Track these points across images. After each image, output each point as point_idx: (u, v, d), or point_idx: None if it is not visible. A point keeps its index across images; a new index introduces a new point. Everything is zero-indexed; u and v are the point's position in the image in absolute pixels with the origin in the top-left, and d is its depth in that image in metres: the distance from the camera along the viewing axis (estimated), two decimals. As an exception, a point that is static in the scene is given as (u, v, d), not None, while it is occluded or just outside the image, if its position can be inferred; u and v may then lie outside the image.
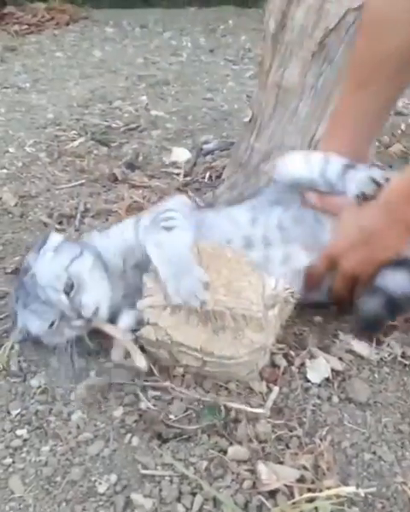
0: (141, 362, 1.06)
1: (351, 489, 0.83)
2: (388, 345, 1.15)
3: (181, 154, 2.26)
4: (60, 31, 5.08)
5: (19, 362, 1.16)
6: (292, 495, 0.84)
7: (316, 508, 0.82)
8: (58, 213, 1.81)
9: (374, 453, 0.94)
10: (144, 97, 2.97)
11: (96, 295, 1.13)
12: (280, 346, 1.12)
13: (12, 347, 1.19)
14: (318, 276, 1.21)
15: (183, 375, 1.06)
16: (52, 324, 1.11)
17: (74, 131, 2.46)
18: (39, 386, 1.09)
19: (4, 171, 2.10)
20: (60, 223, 1.78)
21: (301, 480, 0.86)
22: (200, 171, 2.11)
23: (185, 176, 2.10)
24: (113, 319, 1.15)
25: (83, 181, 2.03)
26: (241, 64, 3.91)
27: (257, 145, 1.78)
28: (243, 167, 1.85)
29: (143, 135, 2.49)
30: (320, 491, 0.84)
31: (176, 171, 2.15)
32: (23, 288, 1.16)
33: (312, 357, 1.11)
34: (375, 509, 0.86)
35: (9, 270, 1.51)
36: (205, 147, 2.29)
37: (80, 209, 1.82)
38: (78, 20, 5.49)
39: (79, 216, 1.79)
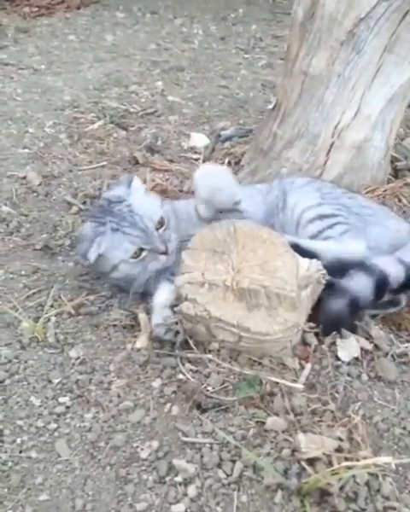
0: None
1: (387, 459, 0.87)
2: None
3: (199, 140, 2.29)
4: (71, 14, 5.06)
5: (55, 334, 1.19)
6: (330, 463, 0.88)
7: (354, 476, 0.86)
8: (82, 193, 1.83)
9: (404, 428, 0.99)
10: (160, 83, 2.98)
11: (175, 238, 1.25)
12: (311, 324, 1.16)
13: (48, 320, 1.23)
14: None
15: (218, 350, 1.09)
16: (138, 254, 1.21)
17: (93, 114, 2.47)
18: (78, 358, 1.13)
19: (26, 150, 2.12)
20: (84, 203, 1.80)
21: (338, 449, 0.90)
22: (219, 157, 2.14)
23: (204, 161, 2.13)
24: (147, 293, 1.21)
25: (104, 163, 2.06)
26: (252, 53, 3.91)
27: (280, 132, 1.81)
28: (264, 154, 1.88)
29: (161, 120, 2.50)
30: (357, 460, 0.87)
31: (195, 156, 2.18)
32: (114, 215, 1.23)
33: (342, 336, 1.15)
34: (407, 480, 0.91)
35: (38, 247, 1.54)
36: (223, 133, 2.31)
37: (104, 190, 1.84)
38: (88, 4, 5.46)
39: (102, 197, 1.81)
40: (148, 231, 1.21)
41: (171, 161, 2.13)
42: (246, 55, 3.83)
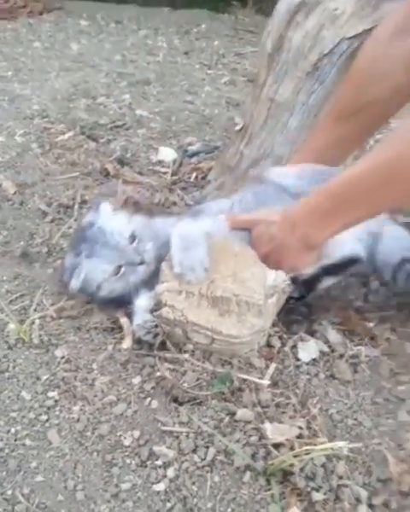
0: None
1: (341, 443, 1.01)
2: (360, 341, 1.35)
3: (167, 154, 2.41)
4: (34, 20, 5.10)
5: (40, 335, 1.29)
6: (292, 448, 1.01)
7: (312, 459, 1.00)
8: (56, 203, 1.91)
9: (356, 420, 1.13)
10: (127, 95, 3.09)
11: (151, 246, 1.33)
12: (275, 329, 1.30)
13: (33, 322, 1.32)
14: None
15: (193, 351, 1.22)
16: (117, 271, 1.28)
17: (63, 125, 2.56)
18: (63, 357, 1.23)
19: (-1, 159, 2.19)
20: (58, 212, 1.89)
21: (299, 436, 1.04)
22: (186, 172, 2.26)
23: (173, 175, 2.25)
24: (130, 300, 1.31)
25: (77, 174, 2.14)
26: (215, 69, 4.04)
27: (246, 151, 1.95)
28: (231, 170, 2.01)
29: (130, 132, 2.61)
30: (315, 445, 1.01)
31: (163, 169, 2.30)
32: (86, 242, 1.30)
33: (302, 340, 1.29)
34: (356, 463, 1.05)
35: (18, 254, 1.63)
36: (190, 148, 2.44)
37: (78, 200, 1.94)
38: (51, 10, 5.51)
39: (77, 206, 1.91)
40: (120, 247, 1.29)
41: (140, 173, 2.24)
42: (209, 71, 3.97)
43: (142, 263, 1.30)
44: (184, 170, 2.29)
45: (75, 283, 1.29)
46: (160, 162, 2.36)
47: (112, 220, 1.34)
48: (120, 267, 1.29)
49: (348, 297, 1.52)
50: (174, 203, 2.01)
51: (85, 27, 4.99)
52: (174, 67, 3.94)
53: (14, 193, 1.97)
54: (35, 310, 1.38)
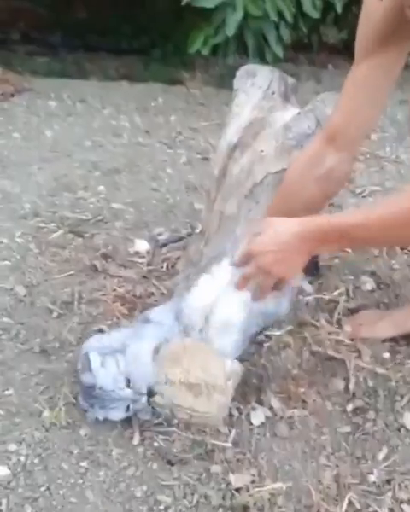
0: None
1: (281, 484, 1.55)
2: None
3: (142, 245, 2.89)
4: (8, 103, 5.54)
5: (66, 419, 1.79)
6: (248, 490, 1.54)
7: (261, 496, 1.53)
8: (60, 301, 2.41)
9: (290, 465, 1.67)
10: (102, 187, 3.54)
11: (139, 376, 1.72)
12: (234, 402, 1.83)
13: (60, 409, 1.83)
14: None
15: (178, 425, 1.74)
16: (127, 408, 1.69)
17: (53, 224, 3.03)
18: (86, 434, 1.73)
19: (7, 262, 2.66)
20: (62, 308, 2.39)
21: (253, 482, 1.57)
22: (159, 262, 2.78)
23: (148, 265, 2.76)
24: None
25: (72, 272, 2.64)
26: (174, 148, 4.47)
27: (206, 250, 2.50)
28: (194, 265, 2.54)
29: (109, 226, 3.07)
30: (263, 487, 1.55)
31: (140, 260, 2.79)
32: (95, 398, 1.69)
33: (253, 409, 1.83)
34: (291, 498, 1.58)
35: (37, 351, 2.12)
36: (159, 238, 2.95)
37: (76, 297, 2.44)
38: (22, 92, 5.91)
39: (76, 303, 2.41)
40: (122, 395, 1.66)
41: (122, 266, 2.74)
42: (169, 150, 4.42)
43: (141, 395, 1.68)
44: (157, 260, 2.79)
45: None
46: (136, 253, 2.85)
47: (106, 375, 1.67)
48: (128, 407, 1.69)
49: (287, 366, 2.06)
50: (152, 293, 2.52)
51: (54, 109, 5.41)
52: (138, 149, 4.39)
53: (25, 295, 2.46)
54: (59, 398, 1.88)
